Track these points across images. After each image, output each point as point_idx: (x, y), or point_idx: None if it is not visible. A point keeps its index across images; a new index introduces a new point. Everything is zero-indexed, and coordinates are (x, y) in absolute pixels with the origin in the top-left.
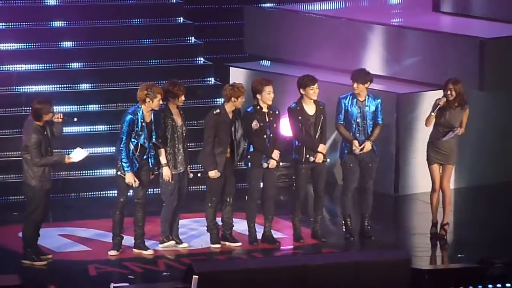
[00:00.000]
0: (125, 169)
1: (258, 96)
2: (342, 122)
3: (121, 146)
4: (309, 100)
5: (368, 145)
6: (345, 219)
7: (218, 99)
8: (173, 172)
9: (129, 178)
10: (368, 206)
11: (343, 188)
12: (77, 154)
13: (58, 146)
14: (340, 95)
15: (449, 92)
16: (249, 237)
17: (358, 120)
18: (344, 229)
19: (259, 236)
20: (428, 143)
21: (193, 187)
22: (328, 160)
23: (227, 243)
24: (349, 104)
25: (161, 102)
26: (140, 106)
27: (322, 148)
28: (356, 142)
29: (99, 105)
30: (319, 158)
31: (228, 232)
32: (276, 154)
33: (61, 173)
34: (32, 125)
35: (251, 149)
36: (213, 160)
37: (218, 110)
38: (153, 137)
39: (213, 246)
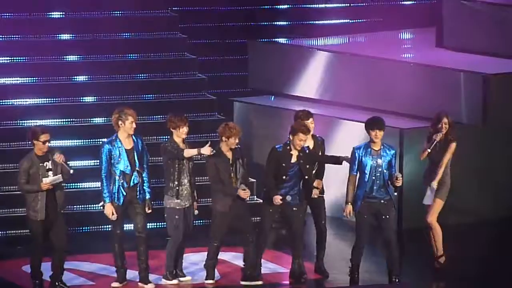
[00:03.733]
0: (105, 199)
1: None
2: (355, 173)
3: (101, 176)
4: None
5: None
6: (352, 269)
7: None
8: (177, 207)
9: (107, 209)
10: (394, 261)
11: (355, 240)
12: (50, 179)
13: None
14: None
15: (443, 125)
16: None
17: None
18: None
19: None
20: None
21: (200, 221)
22: (324, 194)
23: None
24: (363, 154)
25: (134, 125)
26: (117, 134)
27: (317, 183)
28: (349, 207)
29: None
30: (315, 193)
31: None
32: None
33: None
34: (29, 153)
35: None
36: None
37: (213, 151)
38: (136, 164)
39: (207, 282)
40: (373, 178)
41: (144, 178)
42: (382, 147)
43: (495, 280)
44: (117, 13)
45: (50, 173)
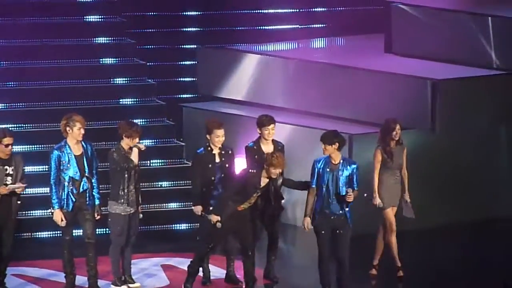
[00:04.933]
0: (54, 205)
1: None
2: (314, 186)
3: (50, 182)
4: (266, 140)
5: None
6: None
7: (170, 139)
8: (122, 213)
9: (56, 215)
10: (345, 278)
11: (318, 256)
12: (12, 187)
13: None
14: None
15: (395, 132)
16: (203, 277)
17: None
18: None
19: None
20: (379, 187)
21: (146, 227)
22: (283, 200)
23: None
24: (322, 167)
25: (82, 131)
26: (66, 140)
27: None
28: (306, 220)
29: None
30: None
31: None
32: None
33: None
34: None
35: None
36: (197, 196)
37: (201, 149)
38: (86, 170)
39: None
40: (330, 192)
41: (94, 184)
42: (341, 161)
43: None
44: (65, 18)
45: (9, 178)
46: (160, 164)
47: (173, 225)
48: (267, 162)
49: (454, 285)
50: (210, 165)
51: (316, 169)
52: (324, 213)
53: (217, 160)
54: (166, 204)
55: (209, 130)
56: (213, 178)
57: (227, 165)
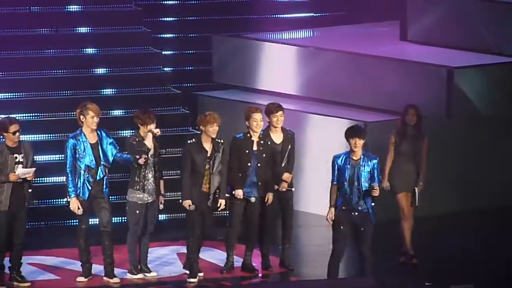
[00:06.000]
0: (70, 194)
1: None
2: (335, 183)
3: (67, 171)
4: (275, 128)
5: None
6: None
7: (186, 128)
8: (139, 202)
9: (73, 204)
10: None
11: (331, 251)
12: (22, 171)
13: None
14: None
15: (410, 117)
16: (225, 264)
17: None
18: None
19: (237, 264)
20: (393, 172)
21: (163, 216)
22: (293, 188)
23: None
24: (342, 164)
25: (95, 119)
26: (81, 128)
27: (286, 176)
28: (331, 211)
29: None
30: (283, 186)
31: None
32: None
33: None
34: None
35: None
36: (187, 190)
37: (192, 140)
38: (101, 158)
39: (190, 280)
40: (351, 188)
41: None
42: (362, 156)
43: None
44: (80, 8)
45: (20, 166)
46: (176, 152)
47: None
48: (200, 124)
49: (469, 271)
50: (247, 151)
51: (337, 165)
52: (346, 209)
53: (255, 148)
54: None
55: (247, 116)
56: (249, 164)
57: (264, 155)
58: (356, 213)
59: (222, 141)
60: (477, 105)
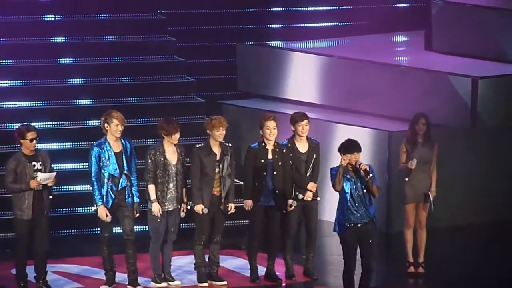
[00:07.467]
0: (97, 202)
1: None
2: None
3: (92, 179)
4: (301, 137)
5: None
6: None
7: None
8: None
9: (100, 211)
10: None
11: (344, 266)
12: (43, 176)
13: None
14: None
15: (420, 126)
16: (251, 274)
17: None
18: None
19: (261, 273)
20: (406, 182)
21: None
22: (318, 198)
23: (213, 282)
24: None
25: (120, 127)
26: (106, 137)
27: (311, 186)
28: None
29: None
30: (308, 195)
31: (214, 271)
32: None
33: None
34: (16, 152)
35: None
36: (198, 194)
37: (201, 144)
38: (125, 167)
39: (200, 285)
40: (354, 199)
41: (133, 182)
42: (357, 166)
43: (480, 282)
44: (105, 16)
45: (39, 173)
46: None
47: None
48: (207, 128)
49: (483, 283)
50: (262, 160)
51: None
52: (351, 223)
53: (270, 156)
54: None
55: (260, 124)
56: (264, 173)
57: (280, 163)
58: (362, 225)
59: (230, 144)
60: (502, 115)
